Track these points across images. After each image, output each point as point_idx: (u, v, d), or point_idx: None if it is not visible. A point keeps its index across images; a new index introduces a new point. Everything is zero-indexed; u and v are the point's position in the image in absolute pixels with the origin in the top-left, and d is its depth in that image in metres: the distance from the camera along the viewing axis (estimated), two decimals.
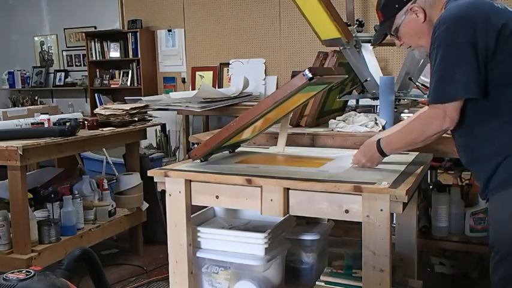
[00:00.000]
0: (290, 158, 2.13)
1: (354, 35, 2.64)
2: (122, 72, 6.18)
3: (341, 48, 2.67)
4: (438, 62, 1.58)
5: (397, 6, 1.75)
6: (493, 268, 1.61)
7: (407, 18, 1.74)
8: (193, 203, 1.85)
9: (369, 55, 2.77)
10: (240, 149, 2.25)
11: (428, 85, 1.91)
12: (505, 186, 1.57)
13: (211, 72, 5.73)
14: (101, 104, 5.89)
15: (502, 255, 1.58)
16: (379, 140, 1.77)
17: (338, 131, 2.50)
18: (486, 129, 1.60)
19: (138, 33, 5.86)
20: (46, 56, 6.94)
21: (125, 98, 4.97)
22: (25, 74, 6.94)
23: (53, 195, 2.96)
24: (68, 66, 6.83)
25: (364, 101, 3.13)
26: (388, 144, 1.76)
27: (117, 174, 3.98)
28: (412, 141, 1.69)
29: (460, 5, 1.62)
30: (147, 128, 3.51)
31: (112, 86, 6.23)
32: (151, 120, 3.52)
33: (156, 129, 5.33)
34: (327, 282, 1.90)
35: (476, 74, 1.53)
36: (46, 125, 2.87)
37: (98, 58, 6.19)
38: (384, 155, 1.77)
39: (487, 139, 1.60)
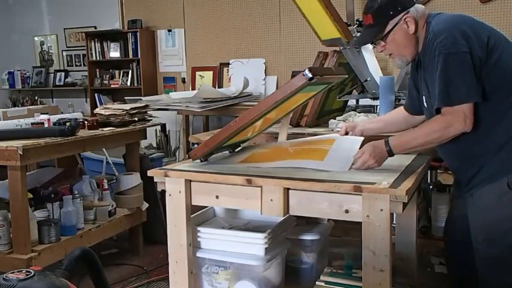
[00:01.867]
0: (292, 151, 2.12)
1: (354, 35, 2.64)
2: (122, 72, 6.18)
3: (341, 48, 2.67)
4: (441, 69, 1.68)
5: (391, 13, 1.80)
6: (481, 253, 1.78)
7: (399, 27, 1.81)
8: (193, 203, 1.85)
9: (369, 55, 2.77)
10: (240, 149, 2.25)
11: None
12: (489, 181, 1.75)
13: (211, 72, 5.73)
14: (101, 104, 5.89)
15: (490, 241, 1.74)
16: (387, 140, 1.79)
17: (338, 131, 2.49)
18: (476, 131, 1.71)
19: (138, 33, 5.85)
20: (46, 56, 6.94)
21: (125, 98, 4.97)
22: (25, 74, 6.94)
23: (53, 195, 2.96)
24: (68, 66, 6.83)
25: (364, 101, 3.13)
26: (399, 145, 1.78)
27: (117, 174, 3.98)
28: (429, 143, 1.76)
29: (449, 19, 1.76)
30: (147, 128, 3.51)
31: (112, 86, 6.23)
32: (151, 120, 3.52)
33: (156, 129, 5.33)
34: (327, 282, 1.91)
35: (476, 80, 1.67)
36: (46, 125, 2.87)
37: (98, 58, 6.18)
38: (391, 155, 1.79)
39: (475, 141, 1.74)
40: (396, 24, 1.80)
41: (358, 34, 2.69)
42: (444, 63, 1.67)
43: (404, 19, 1.79)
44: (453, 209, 2.05)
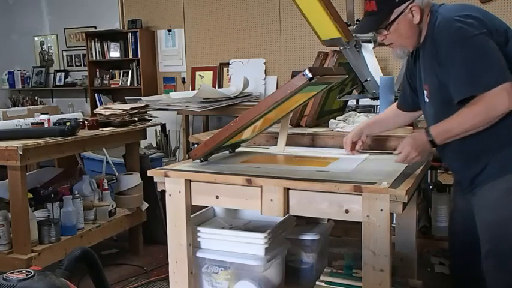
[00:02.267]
0: (293, 158, 2.13)
1: (354, 35, 2.64)
2: (122, 72, 6.18)
3: (341, 48, 2.66)
4: (465, 55, 1.58)
5: (396, 1, 1.72)
6: (485, 256, 1.72)
7: (404, 17, 1.72)
8: (193, 203, 1.85)
9: (369, 55, 2.77)
10: (240, 149, 2.25)
11: None
12: (493, 178, 1.68)
13: (211, 72, 5.73)
14: (101, 104, 5.89)
15: (495, 241, 1.68)
16: (427, 130, 1.71)
17: (338, 131, 2.49)
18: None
19: (138, 33, 5.86)
20: (46, 56, 6.94)
21: (125, 98, 4.97)
22: (25, 74, 6.94)
23: (53, 195, 2.96)
24: (68, 66, 6.83)
25: (364, 101, 3.13)
26: (442, 133, 1.68)
27: (117, 174, 3.98)
28: (475, 126, 1.63)
29: (458, 6, 1.68)
30: (147, 128, 3.51)
31: (112, 86, 6.23)
32: (151, 120, 3.52)
33: (156, 129, 5.33)
34: (327, 282, 1.91)
35: (504, 59, 1.58)
36: (46, 125, 2.87)
37: (98, 58, 6.18)
38: (434, 145, 1.71)
39: (479, 137, 1.66)
40: (401, 13, 1.71)
41: (358, 34, 2.68)
42: (466, 48, 1.58)
43: (410, 8, 1.71)
44: (455, 210, 2.01)
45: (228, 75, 5.55)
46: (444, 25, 1.64)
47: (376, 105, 2.90)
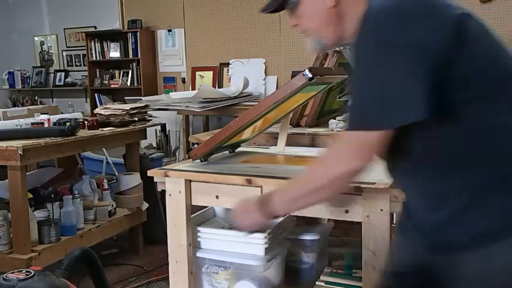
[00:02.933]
0: (293, 158, 2.13)
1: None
2: (122, 72, 6.18)
3: (341, 48, 2.66)
4: (364, 70, 1.10)
5: None
6: None
7: None
8: (193, 203, 1.85)
9: None
10: (240, 149, 2.25)
11: None
12: (493, 239, 1.05)
13: (211, 72, 5.73)
14: (101, 104, 5.89)
15: None
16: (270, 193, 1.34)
17: (338, 131, 2.49)
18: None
19: (138, 33, 5.86)
20: (46, 56, 6.94)
21: (125, 98, 4.97)
22: (25, 74, 6.94)
23: (53, 195, 2.97)
24: (68, 66, 6.83)
25: None
26: (279, 195, 1.31)
27: (117, 174, 3.98)
28: (316, 196, 1.21)
29: None
30: (147, 128, 3.52)
31: (112, 86, 6.23)
32: (151, 120, 3.52)
33: (156, 129, 5.33)
34: (327, 282, 1.90)
35: (422, 87, 1.02)
36: (46, 125, 2.87)
37: (98, 58, 6.18)
38: (270, 211, 1.31)
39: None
40: None
41: None
42: (366, 60, 1.09)
43: None
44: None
45: (228, 75, 5.55)
46: (366, 16, 1.08)
47: None
